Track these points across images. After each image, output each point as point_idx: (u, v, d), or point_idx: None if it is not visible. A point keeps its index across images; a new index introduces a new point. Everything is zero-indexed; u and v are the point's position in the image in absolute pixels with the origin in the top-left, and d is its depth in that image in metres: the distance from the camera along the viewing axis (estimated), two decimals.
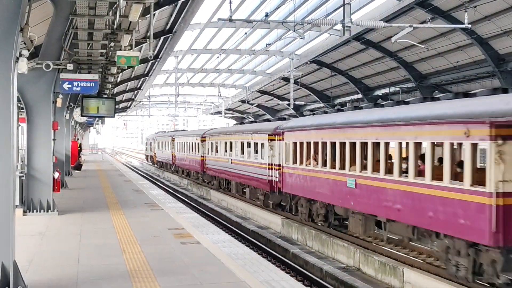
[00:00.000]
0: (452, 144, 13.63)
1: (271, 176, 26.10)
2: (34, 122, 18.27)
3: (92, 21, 14.89)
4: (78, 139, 53.03)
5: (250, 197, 30.04)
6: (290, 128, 23.88)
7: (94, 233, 15.11)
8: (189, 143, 46.03)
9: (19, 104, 18.60)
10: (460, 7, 26.80)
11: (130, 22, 13.94)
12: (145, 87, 46.98)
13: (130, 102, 60.88)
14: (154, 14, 16.39)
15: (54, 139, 20.70)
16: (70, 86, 17.88)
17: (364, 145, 17.56)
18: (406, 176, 15.18)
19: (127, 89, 45.69)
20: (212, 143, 38.43)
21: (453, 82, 35.97)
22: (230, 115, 77.97)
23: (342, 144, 18.86)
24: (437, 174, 13.96)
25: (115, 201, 22.58)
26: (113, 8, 13.97)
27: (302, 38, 32.52)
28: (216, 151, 37.10)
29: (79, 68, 20.78)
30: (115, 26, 14.98)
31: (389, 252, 17.03)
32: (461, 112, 13.20)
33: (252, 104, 58.14)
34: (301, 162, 22.16)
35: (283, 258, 18.39)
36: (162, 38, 25.64)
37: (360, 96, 45.66)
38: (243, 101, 61.24)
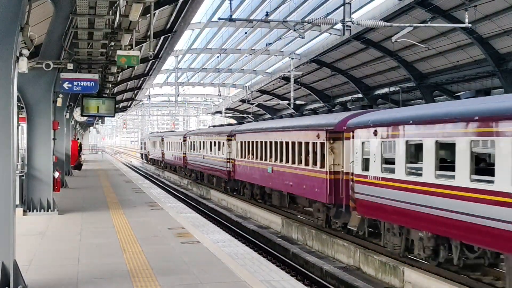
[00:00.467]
0: (313, 143, 21.68)
1: (228, 167, 34.08)
2: (34, 122, 18.26)
3: (92, 21, 14.88)
4: (78, 139, 53.04)
5: (216, 184, 38.45)
6: (239, 131, 32.69)
7: (94, 232, 15.11)
8: (175, 142, 53.72)
9: (19, 104, 18.59)
10: (461, 6, 26.78)
11: (130, 21, 13.93)
12: (145, 86, 46.94)
13: (130, 102, 60.86)
14: (154, 14, 16.37)
15: (54, 139, 20.70)
16: (70, 85, 17.88)
17: (275, 143, 25.98)
18: (294, 164, 23.65)
19: (127, 88, 45.66)
20: (191, 142, 46.17)
21: (453, 81, 35.95)
22: (230, 115, 77.97)
23: (266, 143, 27.37)
24: (305, 162, 22.55)
25: (115, 200, 22.57)
26: (113, 8, 13.98)
27: (302, 38, 32.50)
28: (194, 149, 44.84)
29: (79, 67, 20.78)
30: (115, 25, 14.97)
31: (389, 251, 17.02)
32: (314, 124, 22.28)
33: (252, 104, 58.13)
34: (245, 156, 30.59)
35: (283, 257, 18.41)
36: (162, 37, 25.62)
37: (360, 95, 45.64)
38: (243, 101, 61.21)
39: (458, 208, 12.95)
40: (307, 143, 22.30)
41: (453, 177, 13.20)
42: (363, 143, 17.64)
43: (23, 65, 11.55)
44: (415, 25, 25.81)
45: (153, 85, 60.68)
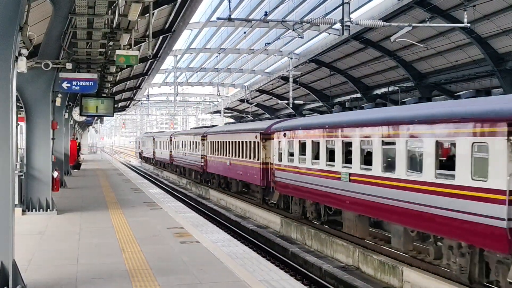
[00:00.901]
0: (253, 142, 28.57)
1: (202, 162, 41.27)
2: (33, 121, 18.25)
3: (91, 20, 14.87)
4: (77, 138, 53.03)
5: (194, 177, 45.88)
6: (210, 132, 40.04)
7: (93, 232, 15.11)
8: (163, 142, 60.69)
9: (18, 103, 18.58)
10: (459, 6, 26.81)
11: (129, 21, 13.95)
12: (144, 86, 46.91)
13: (129, 101, 60.83)
14: (153, 13, 16.37)
15: (53, 138, 20.72)
16: (69, 85, 17.86)
17: (231, 143, 33.00)
18: (242, 158, 30.64)
19: (126, 88, 45.62)
20: (176, 142, 53.34)
21: (452, 81, 35.99)
22: (229, 114, 77.96)
23: (226, 142, 34.32)
24: (248, 156, 29.42)
25: (114, 200, 22.57)
26: (112, 7, 13.97)
27: (301, 37, 32.53)
28: (178, 148, 51.90)
29: (78, 67, 20.76)
30: (114, 25, 14.97)
31: (388, 251, 17.03)
32: (254, 128, 29.48)
33: (251, 104, 58.15)
34: (214, 153, 37.49)
35: (282, 257, 18.41)
36: (161, 37, 25.61)
37: (359, 95, 45.66)
38: (242, 100, 61.25)
39: (320, 183, 20.45)
40: (249, 142, 29.57)
41: (318, 163, 20.64)
42: (278, 142, 24.75)
43: (22, 65, 11.54)
44: (414, 24, 25.82)
45: (152, 85, 60.62)
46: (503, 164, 11.83)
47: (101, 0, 12.86)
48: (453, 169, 13.28)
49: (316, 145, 21.08)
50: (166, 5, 20.07)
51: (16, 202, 17.56)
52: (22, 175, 18.62)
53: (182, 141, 49.45)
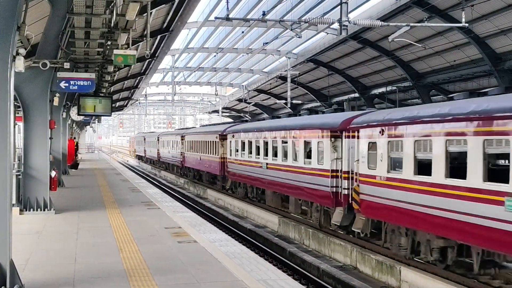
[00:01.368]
0: (214, 141, 35.52)
1: (181, 159, 48.75)
2: (31, 121, 18.24)
3: (89, 20, 14.85)
4: (74, 138, 52.98)
5: (176, 172, 53.26)
6: (187, 133, 47.30)
7: (91, 232, 15.10)
8: (152, 141, 67.54)
9: (16, 103, 18.54)
10: (457, 6, 26.82)
11: (127, 20, 13.91)
12: (142, 85, 46.91)
13: (126, 101, 60.80)
14: (151, 13, 16.36)
15: (51, 138, 20.66)
16: (67, 84, 17.85)
17: (201, 142, 40.18)
18: (208, 154, 37.47)
19: (123, 87, 45.61)
20: (162, 141, 60.07)
21: (450, 81, 36.02)
22: (227, 114, 77.94)
23: (198, 141, 41.40)
24: (212, 152, 36.41)
25: (112, 200, 22.56)
26: (110, 7, 13.96)
27: (299, 37, 32.56)
28: (164, 147, 58.87)
29: (76, 66, 20.73)
30: (112, 24, 14.95)
31: (386, 251, 17.04)
32: (214, 130, 37.61)
33: (249, 103, 58.14)
34: (190, 151, 44.80)
35: (280, 257, 18.41)
36: (159, 36, 25.60)
37: (357, 95, 45.69)
38: (240, 100, 61.24)
39: (252, 170, 28.12)
40: (212, 142, 36.90)
41: (251, 157, 28.20)
42: (230, 141, 32.67)
43: (20, 64, 11.53)
44: (412, 24, 25.83)
45: (150, 84, 60.62)
46: (328, 153, 19.71)
47: (99, 0, 12.84)
48: (309, 157, 21.51)
49: (249, 144, 28.81)
50: (164, 5, 20.05)
51: (14, 201, 17.52)
52: (19, 175, 18.60)
53: (167, 141, 56.59)
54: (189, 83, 63.45)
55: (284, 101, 49.28)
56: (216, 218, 26.76)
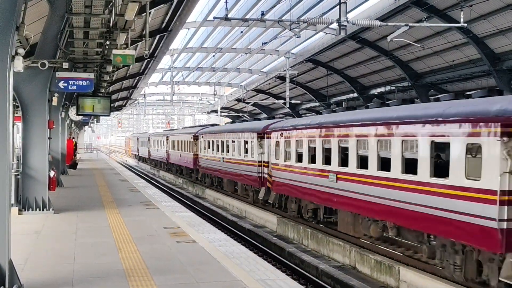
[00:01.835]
0: (189, 141, 43.15)
1: (166, 156, 55.71)
2: (29, 121, 18.23)
3: (88, 20, 14.86)
4: (73, 138, 52.97)
5: (162, 167, 61.07)
6: (171, 134, 54.23)
7: (90, 231, 15.10)
8: (144, 141, 74.34)
9: (14, 103, 18.55)
10: (456, 6, 26.85)
11: (126, 20, 13.91)
12: (141, 85, 46.93)
13: (125, 101, 60.81)
14: (149, 13, 16.38)
15: (49, 138, 20.67)
16: (65, 84, 17.85)
17: (182, 141, 46.23)
18: (185, 151, 44.80)
19: (122, 87, 45.63)
20: (152, 141, 67.04)
21: (448, 81, 36.03)
22: (226, 114, 77.93)
23: (179, 141, 47.64)
24: (188, 150, 44.00)
25: (110, 199, 22.55)
26: (109, 7, 13.95)
27: (298, 37, 32.54)
28: (153, 145, 65.70)
29: (75, 66, 20.74)
30: (111, 24, 14.95)
31: (385, 251, 17.05)
32: (189, 131, 45.72)
33: (248, 103, 58.15)
34: (173, 148, 51.03)
35: (279, 257, 18.42)
36: (157, 36, 25.62)
37: (355, 95, 45.69)
38: (238, 100, 61.25)
39: (215, 164, 35.57)
40: (188, 141, 44.05)
41: (214, 152, 35.17)
42: (200, 141, 40.11)
43: (19, 64, 11.53)
44: (410, 24, 25.84)
45: (148, 84, 60.65)
46: (256, 149, 27.24)
47: (97, 0, 12.84)
48: (246, 152, 29.07)
49: (213, 143, 36.32)
50: (162, 5, 20.08)
51: (13, 201, 17.51)
52: (18, 175, 18.58)
53: (156, 140, 63.96)
54: (188, 83, 63.48)
55: (282, 101, 49.28)
56: (215, 218, 26.77)
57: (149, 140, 69.32)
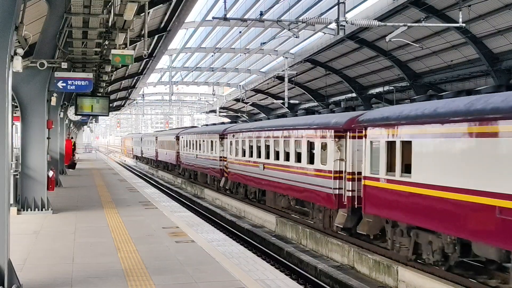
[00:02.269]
0: (173, 141, 51.02)
1: (156, 154, 62.43)
2: (28, 121, 18.23)
3: (87, 20, 14.85)
4: (72, 138, 52.96)
5: (151, 165, 67.87)
6: (159, 134, 60.86)
7: (89, 231, 15.11)
8: (138, 141, 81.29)
9: (13, 103, 18.54)
10: (455, 6, 26.85)
11: (125, 20, 13.91)
12: (139, 85, 46.89)
13: (124, 101, 60.79)
14: (148, 13, 16.36)
15: (48, 138, 20.67)
16: (64, 84, 17.86)
17: (166, 141, 55.20)
18: (170, 150, 53.41)
19: (121, 87, 45.61)
20: (144, 141, 74.29)
21: (447, 81, 36.03)
22: (225, 114, 77.91)
23: (165, 141, 55.53)
24: (171, 148, 52.64)
25: (109, 199, 22.56)
26: (108, 7, 13.95)
27: (296, 37, 32.49)
28: (145, 145, 72.76)
29: (74, 66, 20.74)
30: (110, 24, 14.95)
31: (383, 250, 17.06)
32: (174, 132, 53.37)
33: (246, 103, 58.13)
34: (161, 147, 57.14)
35: (277, 256, 18.42)
36: (156, 36, 25.61)
37: (354, 95, 45.69)
38: (237, 100, 61.18)
39: (191, 159, 43.43)
40: (171, 141, 51.09)
41: (190, 150, 43.60)
42: (181, 141, 46.99)
43: (18, 64, 11.54)
44: (409, 24, 25.85)
45: (147, 84, 60.56)
46: (217, 148, 34.81)
47: (96, 0, 12.84)
48: (212, 150, 36.19)
49: (189, 142, 43.47)
50: (161, 5, 20.07)
51: (12, 201, 17.51)
52: (17, 175, 18.59)
53: (147, 140, 71.18)
54: (187, 83, 63.46)
55: (281, 101, 49.24)
56: (213, 218, 26.77)
57: (141, 140, 77.22)
